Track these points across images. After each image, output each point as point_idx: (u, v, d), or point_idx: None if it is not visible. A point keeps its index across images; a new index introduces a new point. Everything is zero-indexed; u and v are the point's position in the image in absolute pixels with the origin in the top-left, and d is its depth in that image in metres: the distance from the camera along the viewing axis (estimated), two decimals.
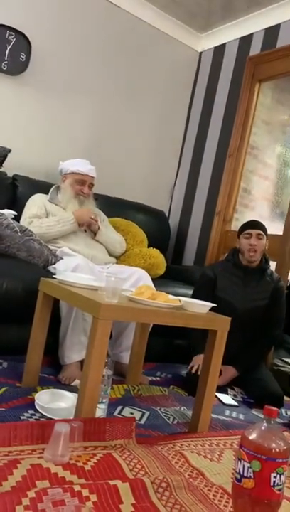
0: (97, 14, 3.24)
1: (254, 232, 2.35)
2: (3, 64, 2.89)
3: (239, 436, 1.71)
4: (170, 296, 1.78)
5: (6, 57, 2.89)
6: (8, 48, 2.88)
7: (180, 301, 1.68)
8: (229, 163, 3.32)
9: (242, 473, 0.99)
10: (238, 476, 1.01)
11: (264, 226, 2.39)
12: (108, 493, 1.11)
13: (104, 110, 3.37)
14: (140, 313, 1.51)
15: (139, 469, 1.30)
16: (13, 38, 2.88)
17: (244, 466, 0.98)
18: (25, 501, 1.01)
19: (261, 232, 2.36)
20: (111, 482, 1.14)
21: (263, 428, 1.03)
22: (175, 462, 1.40)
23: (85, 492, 1.09)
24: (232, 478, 1.35)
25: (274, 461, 0.97)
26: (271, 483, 0.98)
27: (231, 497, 1.24)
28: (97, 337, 1.43)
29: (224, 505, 1.18)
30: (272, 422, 1.04)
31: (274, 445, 0.99)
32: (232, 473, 1.07)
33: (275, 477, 0.98)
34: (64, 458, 1.24)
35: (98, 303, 1.44)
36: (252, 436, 1.00)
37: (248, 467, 0.98)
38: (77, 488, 1.09)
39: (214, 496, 1.25)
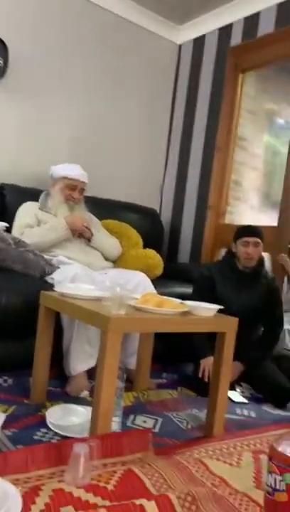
0: (74, 14, 3.16)
1: (251, 240, 2.29)
2: None
3: (255, 436, 1.72)
4: (174, 300, 1.76)
5: None
6: None
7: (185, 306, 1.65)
8: (218, 156, 3.29)
9: (274, 486, 0.97)
10: (270, 490, 0.99)
11: (261, 232, 2.32)
12: None
13: (87, 111, 3.30)
14: (150, 323, 1.48)
15: (162, 483, 1.28)
16: None
17: (275, 480, 0.96)
18: None
19: (259, 239, 2.32)
20: (137, 502, 1.11)
21: None
22: (196, 471, 1.38)
23: None
24: (253, 483, 1.35)
25: None
26: None
27: (257, 505, 1.23)
28: (107, 351, 1.40)
29: None
30: None
31: None
32: (267, 487, 1.04)
33: None
34: (85, 479, 1.21)
35: (106, 316, 1.40)
36: (282, 448, 0.98)
37: (280, 480, 0.96)
38: None
39: (239, 504, 1.24)
